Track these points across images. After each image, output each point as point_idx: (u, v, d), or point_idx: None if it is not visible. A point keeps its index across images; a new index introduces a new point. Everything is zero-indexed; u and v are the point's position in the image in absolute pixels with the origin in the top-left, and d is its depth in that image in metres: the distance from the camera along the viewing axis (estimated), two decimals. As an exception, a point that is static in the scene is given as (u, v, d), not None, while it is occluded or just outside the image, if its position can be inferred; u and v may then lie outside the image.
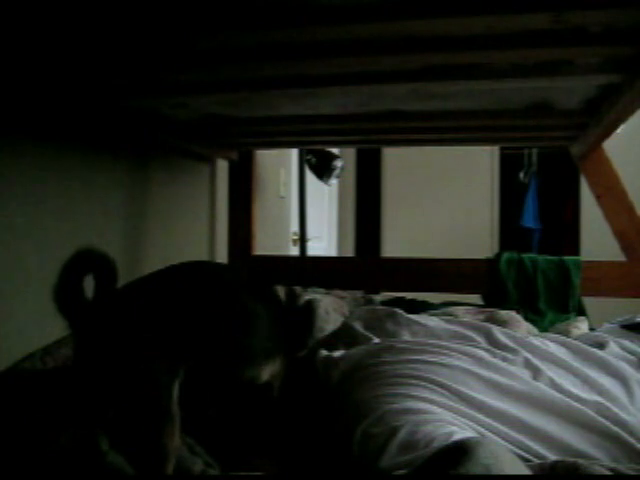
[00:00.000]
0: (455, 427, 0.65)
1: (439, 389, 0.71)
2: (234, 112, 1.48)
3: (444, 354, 0.78)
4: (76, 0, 0.77)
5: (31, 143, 1.14)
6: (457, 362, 0.76)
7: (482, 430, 0.68)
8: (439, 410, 0.68)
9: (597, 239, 2.52)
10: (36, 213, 1.15)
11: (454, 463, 0.47)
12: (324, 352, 0.88)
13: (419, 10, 0.78)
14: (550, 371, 0.80)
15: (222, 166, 2.04)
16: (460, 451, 0.48)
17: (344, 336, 0.93)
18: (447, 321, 0.94)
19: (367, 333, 0.90)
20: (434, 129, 1.59)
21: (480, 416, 0.70)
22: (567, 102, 1.34)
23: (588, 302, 1.79)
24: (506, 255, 1.84)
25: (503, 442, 0.68)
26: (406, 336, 0.88)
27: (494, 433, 0.69)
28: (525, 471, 0.53)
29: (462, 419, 0.68)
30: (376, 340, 0.88)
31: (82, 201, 1.30)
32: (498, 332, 0.88)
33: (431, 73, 1.05)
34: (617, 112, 1.20)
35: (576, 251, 3.64)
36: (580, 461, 0.62)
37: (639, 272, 1.74)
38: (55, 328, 1.10)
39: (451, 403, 0.70)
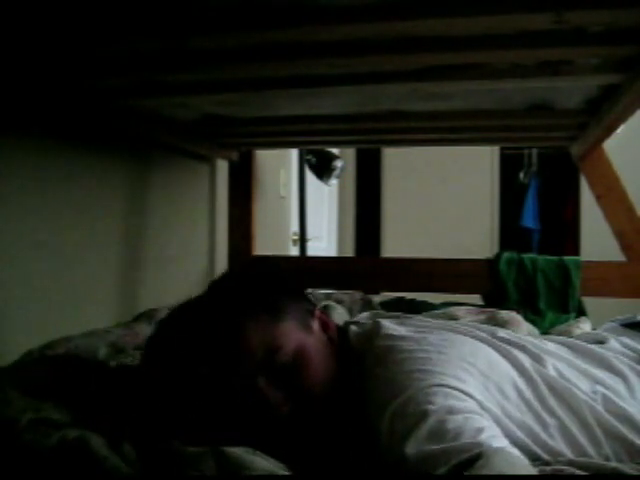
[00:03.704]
0: (484, 419, 0.65)
1: (469, 367, 0.72)
2: (234, 112, 1.48)
3: (461, 332, 0.81)
4: (77, 1, 0.78)
5: (31, 143, 1.14)
6: (473, 339, 0.80)
7: (504, 420, 0.69)
8: (470, 392, 0.68)
9: (597, 239, 2.52)
10: (35, 213, 1.15)
11: (469, 467, 0.48)
12: (354, 328, 0.87)
13: (419, 10, 0.78)
14: (554, 361, 0.81)
15: (222, 166, 2.04)
16: (477, 458, 0.49)
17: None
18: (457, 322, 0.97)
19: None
20: (434, 129, 1.59)
21: (499, 397, 0.71)
22: (567, 102, 1.34)
23: (588, 302, 1.79)
24: (506, 255, 1.84)
25: (519, 434, 0.69)
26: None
27: (515, 426, 0.70)
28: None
29: (487, 403, 0.69)
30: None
31: (82, 201, 1.30)
32: (501, 332, 0.89)
33: (431, 73, 1.05)
34: (617, 112, 1.20)
35: (576, 251, 3.64)
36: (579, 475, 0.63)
37: (639, 272, 1.74)
38: (55, 327, 1.11)
39: (478, 382, 0.71)
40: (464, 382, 0.69)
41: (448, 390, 0.67)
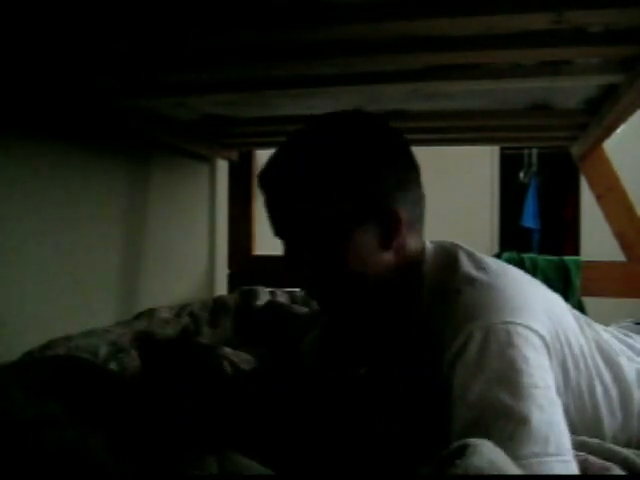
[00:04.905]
0: (551, 394, 0.62)
1: (546, 311, 0.70)
2: (234, 112, 1.48)
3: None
4: (78, 2, 0.78)
5: (31, 143, 1.14)
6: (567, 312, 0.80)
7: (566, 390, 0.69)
8: (544, 336, 0.66)
9: (597, 239, 2.52)
10: (36, 213, 1.15)
11: (460, 455, 0.48)
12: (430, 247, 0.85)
13: (419, 10, 0.78)
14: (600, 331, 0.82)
15: (222, 166, 2.04)
16: (466, 446, 0.49)
17: None
18: None
19: None
20: (434, 129, 1.59)
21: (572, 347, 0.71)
22: (567, 102, 1.34)
23: (588, 302, 1.79)
24: (506, 255, 1.84)
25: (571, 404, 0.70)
26: None
27: (571, 394, 0.70)
28: (518, 470, 0.53)
29: (554, 352, 0.68)
30: None
31: (82, 201, 1.30)
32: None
33: (431, 73, 1.05)
34: (617, 112, 1.20)
35: (576, 251, 3.64)
36: (592, 458, 0.62)
37: (639, 272, 1.74)
38: (55, 327, 1.11)
39: (552, 328, 0.69)
40: (541, 323, 0.66)
41: (527, 332, 0.64)
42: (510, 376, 0.59)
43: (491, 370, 0.59)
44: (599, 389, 0.73)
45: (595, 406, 0.73)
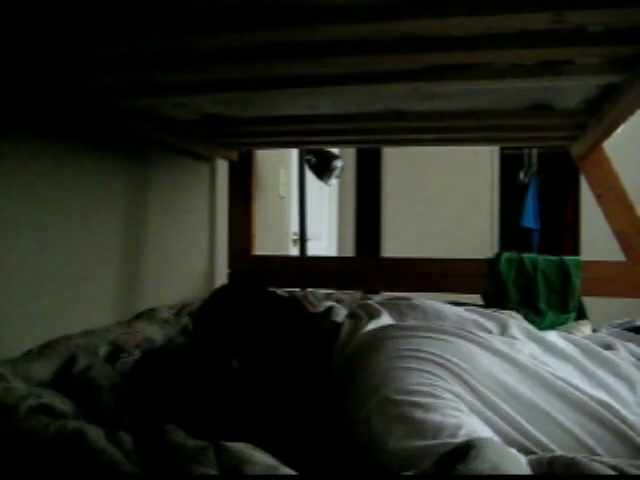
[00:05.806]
0: (462, 414, 0.66)
1: (447, 363, 0.72)
2: (234, 112, 1.48)
3: (450, 333, 0.80)
4: (79, 3, 0.78)
5: (32, 145, 1.14)
6: (462, 342, 0.78)
7: (487, 413, 0.69)
8: (447, 388, 0.69)
9: (597, 239, 2.52)
10: (36, 213, 1.15)
11: (462, 459, 0.48)
12: (348, 323, 0.90)
13: (419, 10, 0.78)
14: (556, 364, 0.80)
15: (222, 166, 2.04)
16: (468, 448, 0.49)
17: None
18: (466, 309, 0.95)
19: (381, 308, 0.94)
20: (434, 129, 1.59)
21: (487, 392, 0.71)
22: (567, 102, 1.34)
23: (588, 302, 1.79)
24: (506, 255, 1.84)
25: (503, 424, 0.69)
26: (419, 318, 0.92)
27: (497, 416, 0.69)
28: (527, 471, 0.53)
29: (468, 397, 0.69)
30: (386, 316, 0.92)
31: (82, 201, 1.30)
32: (514, 325, 0.89)
33: (431, 73, 1.05)
34: (617, 112, 1.20)
35: (576, 251, 3.64)
36: (578, 457, 0.61)
37: (639, 272, 1.74)
38: (55, 326, 1.11)
39: (456, 377, 0.71)
40: (441, 378, 0.70)
41: (426, 389, 0.68)
42: (414, 427, 0.64)
43: (398, 430, 0.65)
44: (545, 426, 0.71)
45: (546, 438, 0.71)
